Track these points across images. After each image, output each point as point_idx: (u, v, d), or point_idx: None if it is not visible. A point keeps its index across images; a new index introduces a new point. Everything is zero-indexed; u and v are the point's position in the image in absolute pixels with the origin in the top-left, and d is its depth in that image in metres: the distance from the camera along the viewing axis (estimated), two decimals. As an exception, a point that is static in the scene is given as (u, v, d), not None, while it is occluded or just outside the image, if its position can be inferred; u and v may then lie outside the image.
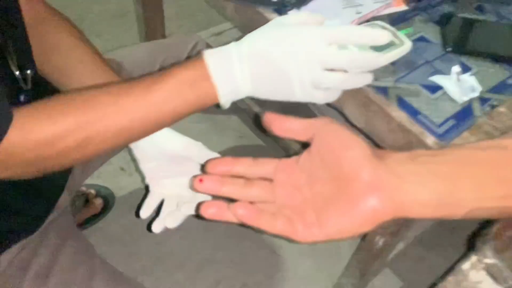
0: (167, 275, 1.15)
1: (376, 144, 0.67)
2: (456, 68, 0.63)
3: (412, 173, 0.36)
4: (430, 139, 0.57)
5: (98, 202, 1.21)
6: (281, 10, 0.74)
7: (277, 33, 0.50)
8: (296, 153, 0.41)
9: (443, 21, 0.73)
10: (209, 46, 0.95)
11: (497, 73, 0.66)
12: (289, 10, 0.73)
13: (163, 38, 1.36)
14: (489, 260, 0.44)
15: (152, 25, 1.27)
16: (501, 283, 0.44)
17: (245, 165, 0.41)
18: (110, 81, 0.63)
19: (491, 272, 0.44)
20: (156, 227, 0.66)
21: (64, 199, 0.80)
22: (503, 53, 0.69)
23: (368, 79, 0.52)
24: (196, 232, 1.21)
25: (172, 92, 0.49)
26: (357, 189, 0.35)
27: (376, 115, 0.63)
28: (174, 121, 0.53)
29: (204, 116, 1.46)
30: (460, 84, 0.62)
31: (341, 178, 0.36)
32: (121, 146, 0.53)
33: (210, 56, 0.50)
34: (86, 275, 0.70)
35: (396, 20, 0.74)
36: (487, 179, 0.37)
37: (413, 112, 0.60)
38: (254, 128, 1.43)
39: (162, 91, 0.49)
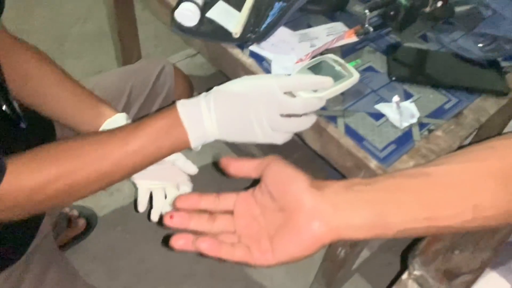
0: (149, 290, 1.20)
1: (331, 165, 0.74)
2: (395, 98, 0.70)
3: (346, 201, 0.43)
4: (373, 163, 0.65)
5: (81, 222, 1.26)
6: (243, 45, 0.80)
7: (240, 85, 0.58)
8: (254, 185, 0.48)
9: (389, 51, 0.81)
10: (176, 69, 1.01)
11: (436, 98, 0.74)
12: (250, 45, 0.80)
13: (140, 60, 1.42)
14: (417, 272, 0.51)
15: (128, 48, 1.33)
16: (428, 291, 0.51)
17: (209, 201, 0.48)
18: (85, 98, 0.71)
19: (420, 282, 0.51)
20: (154, 216, 0.75)
21: (46, 224, 0.85)
22: (442, 80, 0.76)
23: (313, 119, 0.60)
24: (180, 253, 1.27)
25: (148, 140, 0.56)
26: (300, 218, 0.42)
27: (328, 141, 0.70)
28: (151, 164, 0.60)
29: None
30: (401, 111, 0.69)
31: (287, 209, 0.43)
32: (105, 188, 0.59)
33: (182, 106, 0.57)
34: None
35: (346, 52, 0.81)
36: (411, 204, 0.44)
37: (359, 139, 0.67)
38: (230, 145, 1.50)
39: (139, 140, 0.56)
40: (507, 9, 0.81)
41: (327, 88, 0.69)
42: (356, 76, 0.72)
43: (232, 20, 0.82)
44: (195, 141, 0.58)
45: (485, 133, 1.11)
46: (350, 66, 0.74)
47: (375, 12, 0.84)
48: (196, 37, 0.82)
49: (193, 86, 1.06)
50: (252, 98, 0.56)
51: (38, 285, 0.74)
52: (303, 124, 0.59)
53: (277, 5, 0.85)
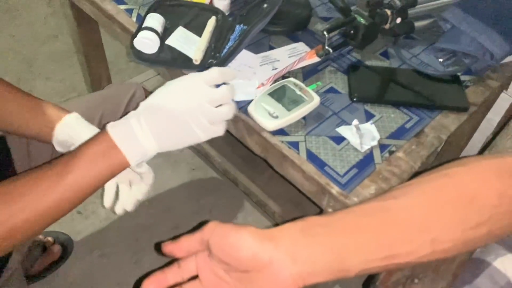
0: (128, 314, 1.19)
1: (298, 189, 0.74)
2: (355, 121, 0.71)
3: (304, 249, 0.43)
4: (335, 190, 0.65)
5: (56, 248, 1.23)
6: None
7: (165, 90, 0.60)
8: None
9: (350, 70, 0.81)
10: (148, 92, 1.00)
11: (397, 118, 0.74)
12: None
13: (109, 81, 1.40)
14: (378, 303, 0.51)
15: (95, 71, 1.31)
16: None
17: (173, 274, 0.47)
18: (32, 106, 0.70)
19: (380, 312, 0.51)
20: (118, 210, 0.74)
21: (14, 260, 0.83)
22: (403, 98, 0.77)
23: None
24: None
25: (85, 170, 0.56)
26: (263, 276, 0.42)
27: (291, 167, 0.70)
28: (95, 190, 0.59)
29: None
30: (361, 134, 0.70)
31: (247, 270, 0.43)
32: (51, 224, 0.58)
33: (112, 128, 0.57)
34: None
35: (308, 73, 0.81)
36: (369, 245, 0.44)
37: (320, 165, 0.67)
38: (206, 161, 1.49)
39: (76, 171, 0.55)
40: (463, 23, 0.82)
41: (286, 113, 0.69)
42: (316, 100, 0.73)
43: (193, 46, 0.81)
44: (133, 159, 0.58)
45: (452, 146, 1.12)
46: (310, 90, 0.74)
47: (335, 32, 0.84)
48: (155, 65, 0.82)
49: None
50: (184, 101, 0.58)
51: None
52: (233, 107, 0.61)
53: (238, 28, 0.85)
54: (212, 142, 1.26)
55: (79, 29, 1.12)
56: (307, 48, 0.85)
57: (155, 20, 0.82)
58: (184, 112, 0.57)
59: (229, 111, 0.60)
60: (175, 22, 0.85)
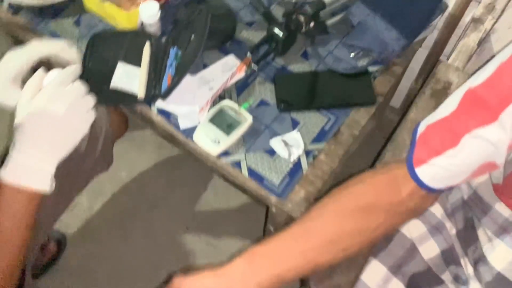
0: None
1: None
2: (282, 137, 0.85)
3: (254, 277, 0.60)
4: (273, 199, 0.81)
5: (52, 246, 1.39)
6: (150, 102, 0.91)
7: (25, 109, 0.61)
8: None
9: (276, 80, 0.93)
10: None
11: (317, 121, 0.89)
12: (155, 102, 0.90)
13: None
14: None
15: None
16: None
17: None
18: None
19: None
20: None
21: (28, 277, 0.98)
22: (321, 102, 0.91)
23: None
24: (146, 250, 1.44)
25: (9, 226, 0.60)
26: None
27: (238, 182, 0.85)
28: (30, 230, 0.63)
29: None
30: (289, 146, 0.84)
31: None
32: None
33: (4, 174, 0.60)
34: None
35: (241, 87, 0.93)
36: (300, 263, 0.62)
37: (260, 179, 0.83)
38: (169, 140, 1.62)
39: (3, 231, 0.60)
40: (368, 19, 0.93)
41: (226, 138, 0.83)
42: (249, 121, 0.86)
43: (135, 81, 0.91)
44: (43, 186, 0.61)
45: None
46: (243, 110, 0.87)
47: (258, 50, 0.94)
48: (101, 105, 0.92)
49: (127, 117, 1.15)
50: (47, 108, 0.60)
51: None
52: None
53: (172, 52, 0.94)
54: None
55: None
56: (237, 61, 0.96)
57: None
58: (61, 119, 0.60)
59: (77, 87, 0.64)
60: (114, 55, 0.94)
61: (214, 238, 1.46)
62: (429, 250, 0.81)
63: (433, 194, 0.67)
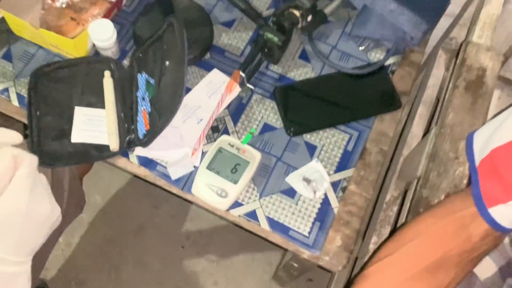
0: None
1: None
2: (302, 172, 0.69)
3: None
4: (306, 254, 0.66)
5: (33, 298, 1.22)
6: (126, 153, 0.72)
7: None
8: None
9: (277, 95, 0.75)
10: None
11: (338, 141, 0.73)
12: (133, 151, 0.72)
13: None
14: None
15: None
16: None
17: None
18: None
19: None
20: None
21: None
22: (337, 117, 0.74)
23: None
24: (142, 280, 1.29)
25: None
26: None
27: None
28: None
29: (105, 171, 1.39)
30: (312, 184, 0.69)
31: None
32: None
33: None
34: None
35: (236, 113, 0.75)
36: None
37: (284, 230, 0.67)
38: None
39: None
40: (377, 1, 0.75)
41: (233, 187, 0.66)
42: (258, 158, 0.69)
43: (101, 127, 0.71)
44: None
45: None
46: (248, 147, 0.70)
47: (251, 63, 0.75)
48: (66, 165, 0.72)
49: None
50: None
51: None
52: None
53: (141, 79, 0.74)
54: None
55: None
56: (223, 76, 0.77)
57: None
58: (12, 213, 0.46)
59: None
60: (67, 96, 0.73)
61: (214, 253, 1.32)
62: (486, 269, 0.70)
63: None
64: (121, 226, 1.34)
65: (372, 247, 0.77)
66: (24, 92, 0.74)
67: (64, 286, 1.27)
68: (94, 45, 0.76)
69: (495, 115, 0.64)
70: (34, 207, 0.47)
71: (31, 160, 0.47)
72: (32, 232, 0.49)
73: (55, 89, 0.73)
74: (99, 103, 0.73)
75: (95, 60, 0.75)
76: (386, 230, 0.80)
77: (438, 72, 0.95)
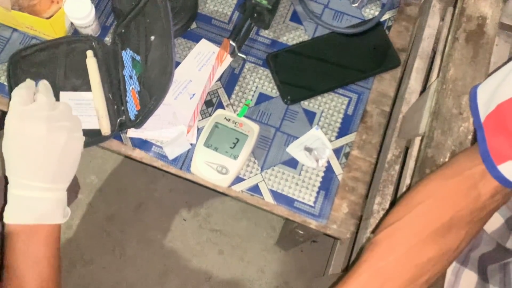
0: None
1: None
2: (302, 142, 0.66)
3: None
4: (313, 224, 0.65)
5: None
6: (119, 135, 0.69)
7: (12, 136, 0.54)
8: None
9: (270, 63, 0.72)
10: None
11: (337, 105, 0.70)
12: (125, 133, 0.69)
13: None
14: None
15: None
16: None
17: None
18: None
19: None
20: None
21: None
22: (335, 80, 0.71)
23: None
24: (146, 255, 1.29)
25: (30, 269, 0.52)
26: None
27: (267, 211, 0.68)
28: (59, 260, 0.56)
29: (98, 150, 1.36)
30: (314, 153, 0.67)
31: None
32: None
33: (10, 217, 0.53)
34: None
35: (229, 85, 0.71)
36: None
37: (289, 202, 0.66)
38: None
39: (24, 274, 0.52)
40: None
41: (233, 163, 0.64)
42: (256, 130, 0.66)
43: (89, 111, 0.68)
44: (57, 219, 0.55)
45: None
46: (245, 120, 0.67)
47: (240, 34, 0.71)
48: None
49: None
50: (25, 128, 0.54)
51: None
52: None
53: (126, 56, 0.70)
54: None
55: None
56: (212, 47, 0.73)
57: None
58: (41, 137, 0.54)
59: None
60: (50, 81, 0.69)
61: (216, 223, 1.32)
62: (493, 223, 0.70)
63: None
64: (120, 204, 1.33)
65: (376, 207, 0.76)
66: (3, 80, 0.70)
67: (70, 268, 1.27)
68: (72, 23, 0.71)
69: (498, 68, 0.61)
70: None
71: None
72: (54, 158, 0.54)
73: (36, 74, 0.69)
74: (85, 85, 0.69)
75: (75, 40, 0.71)
76: (389, 190, 0.78)
77: (433, 23, 0.91)
